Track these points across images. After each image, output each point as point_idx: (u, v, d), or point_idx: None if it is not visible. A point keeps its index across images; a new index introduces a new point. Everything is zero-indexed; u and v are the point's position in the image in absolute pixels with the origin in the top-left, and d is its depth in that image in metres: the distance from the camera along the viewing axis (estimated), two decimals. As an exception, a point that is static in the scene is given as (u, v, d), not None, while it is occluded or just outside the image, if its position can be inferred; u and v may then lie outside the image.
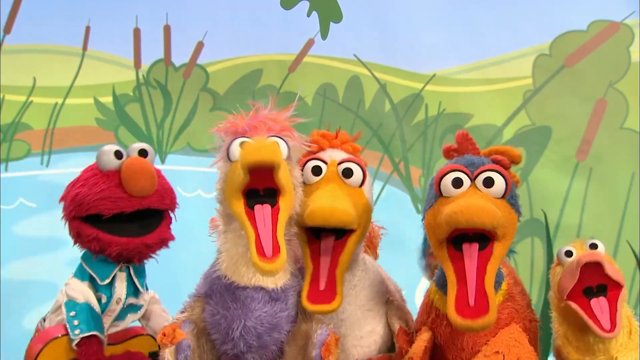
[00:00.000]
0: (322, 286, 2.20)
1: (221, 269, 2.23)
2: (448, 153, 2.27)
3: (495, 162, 2.17)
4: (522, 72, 4.09)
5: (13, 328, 3.97)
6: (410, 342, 2.28)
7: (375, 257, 2.70)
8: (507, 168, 2.17)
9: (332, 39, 4.28)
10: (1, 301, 4.07)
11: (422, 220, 2.22)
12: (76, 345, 2.42)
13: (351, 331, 2.33)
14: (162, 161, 4.41)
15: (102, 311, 2.56)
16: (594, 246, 2.32)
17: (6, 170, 4.33)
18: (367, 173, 2.31)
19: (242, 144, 2.14)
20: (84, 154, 4.37)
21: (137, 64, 4.41)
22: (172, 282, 4.12)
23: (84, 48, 4.38)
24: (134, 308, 2.67)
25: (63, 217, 2.61)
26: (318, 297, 2.18)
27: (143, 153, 2.60)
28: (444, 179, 2.11)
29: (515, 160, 2.20)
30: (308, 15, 4.25)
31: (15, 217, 4.24)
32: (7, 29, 4.33)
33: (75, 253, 2.67)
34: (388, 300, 2.41)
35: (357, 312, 2.34)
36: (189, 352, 2.13)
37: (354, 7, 4.26)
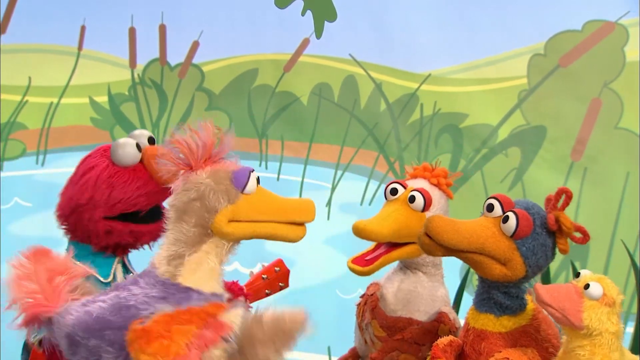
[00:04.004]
0: (367, 257, 2.63)
1: None
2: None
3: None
4: (517, 71, 4.10)
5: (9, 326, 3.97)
6: None
7: None
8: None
9: (328, 39, 4.28)
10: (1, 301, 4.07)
11: None
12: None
13: None
14: (158, 161, 4.41)
15: None
16: (586, 286, 2.42)
17: (1, 169, 4.33)
18: (434, 202, 2.63)
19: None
20: (79, 154, 4.30)
21: (133, 63, 4.41)
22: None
23: (80, 47, 4.38)
24: None
25: (85, 220, 2.51)
26: (359, 261, 2.60)
27: (152, 141, 2.58)
28: None
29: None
30: (302, 14, 4.25)
31: (10, 216, 4.24)
32: (3, 29, 4.32)
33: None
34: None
35: None
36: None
37: (349, 7, 4.26)
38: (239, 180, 2.12)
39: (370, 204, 4.17)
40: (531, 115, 4.11)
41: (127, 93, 4.42)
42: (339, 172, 4.33)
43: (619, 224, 3.97)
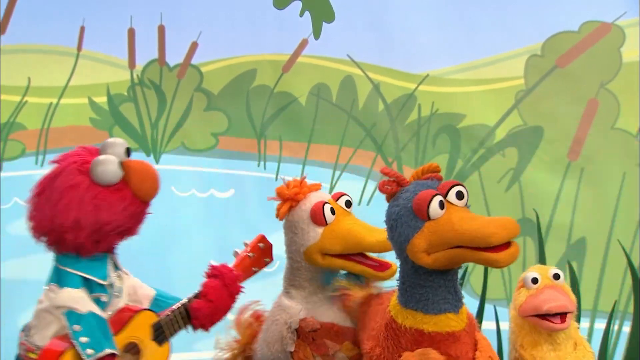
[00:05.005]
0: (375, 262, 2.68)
1: None
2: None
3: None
4: (515, 72, 4.11)
5: (8, 327, 3.98)
6: None
7: None
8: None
9: (326, 39, 4.29)
10: (1, 301, 4.09)
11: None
12: None
13: None
14: (157, 161, 4.42)
15: (103, 309, 2.43)
16: (557, 276, 2.52)
17: (1, 170, 4.34)
18: None
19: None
20: (78, 154, 4.38)
21: (132, 64, 4.42)
22: (166, 280, 4.15)
23: (79, 48, 4.38)
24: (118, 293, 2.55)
25: (68, 240, 2.39)
26: (379, 268, 2.64)
27: (128, 152, 2.47)
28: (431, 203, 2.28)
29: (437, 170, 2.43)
30: (300, 15, 4.27)
31: (10, 216, 4.24)
32: (2, 29, 4.33)
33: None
34: None
35: None
36: None
37: (347, 7, 4.27)
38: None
39: (368, 204, 4.18)
40: (528, 116, 4.12)
41: (126, 93, 4.43)
42: (337, 172, 4.34)
43: (616, 224, 3.98)
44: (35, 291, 4.15)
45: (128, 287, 2.59)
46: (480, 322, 3.14)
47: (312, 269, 2.75)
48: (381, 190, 2.40)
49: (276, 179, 4.36)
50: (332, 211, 2.70)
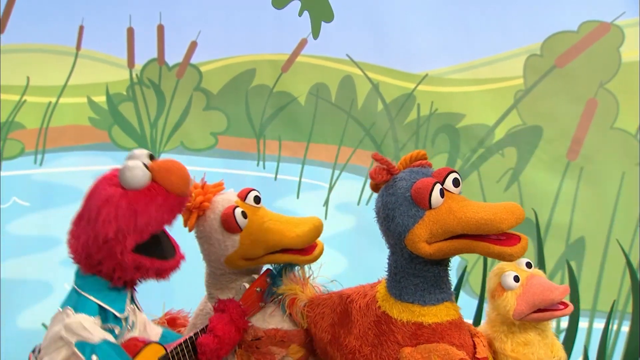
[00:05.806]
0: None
1: None
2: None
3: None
4: (514, 72, 4.11)
5: (8, 326, 3.99)
6: None
7: None
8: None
9: (325, 39, 4.29)
10: (1, 300, 4.09)
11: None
12: None
13: None
14: (156, 160, 4.42)
15: None
16: (529, 265, 2.55)
17: (0, 169, 4.34)
18: None
19: None
20: (77, 153, 4.38)
21: (131, 63, 4.42)
22: (164, 283, 4.15)
23: (78, 47, 4.38)
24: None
25: (117, 253, 2.37)
26: (306, 252, 2.62)
27: (152, 158, 2.46)
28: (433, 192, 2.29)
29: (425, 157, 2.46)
30: (299, 15, 4.27)
31: (8, 216, 4.25)
32: (2, 29, 4.33)
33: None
34: None
35: None
36: None
37: (346, 7, 4.27)
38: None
39: (367, 204, 4.19)
40: (527, 116, 4.12)
41: (125, 93, 4.43)
42: (337, 172, 4.34)
43: (615, 223, 3.98)
44: (35, 291, 4.18)
45: (140, 323, 2.59)
46: (479, 321, 3.14)
47: (237, 272, 2.71)
48: (373, 177, 2.38)
49: (275, 179, 4.37)
50: (244, 214, 2.62)
